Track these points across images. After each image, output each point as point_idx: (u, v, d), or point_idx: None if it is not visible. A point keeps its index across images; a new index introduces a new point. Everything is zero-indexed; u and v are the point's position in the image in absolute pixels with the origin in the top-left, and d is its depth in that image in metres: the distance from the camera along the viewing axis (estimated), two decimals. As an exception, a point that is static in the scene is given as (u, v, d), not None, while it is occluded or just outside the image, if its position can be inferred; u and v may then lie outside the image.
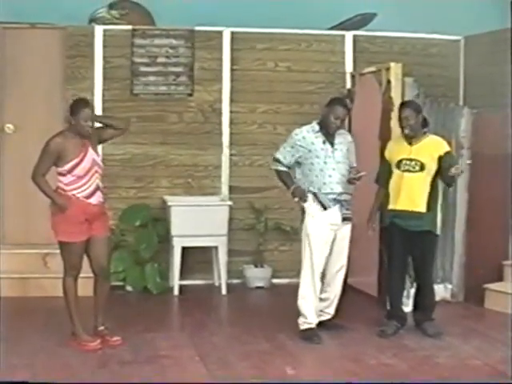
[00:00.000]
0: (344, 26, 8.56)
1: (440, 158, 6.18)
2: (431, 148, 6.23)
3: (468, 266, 7.36)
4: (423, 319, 6.40)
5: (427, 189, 6.22)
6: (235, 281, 8.00)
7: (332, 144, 6.16)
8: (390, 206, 6.30)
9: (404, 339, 6.15)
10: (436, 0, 8.56)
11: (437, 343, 6.07)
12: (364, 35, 8.41)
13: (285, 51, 8.26)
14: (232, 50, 8.15)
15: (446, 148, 6.28)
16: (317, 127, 6.20)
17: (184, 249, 7.63)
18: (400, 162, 6.25)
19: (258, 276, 7.99)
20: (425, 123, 6.33)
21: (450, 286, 7.37)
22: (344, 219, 6.20)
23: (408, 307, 6.83)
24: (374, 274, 7.28)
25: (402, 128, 6.25)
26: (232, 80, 8.15)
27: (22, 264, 7.45)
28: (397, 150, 6.33)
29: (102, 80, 7.93)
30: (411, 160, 6.20)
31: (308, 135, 6.18)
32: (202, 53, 8.14)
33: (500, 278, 7.33)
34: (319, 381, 5.28)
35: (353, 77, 8.19)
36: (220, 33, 8.14)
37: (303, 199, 6.15)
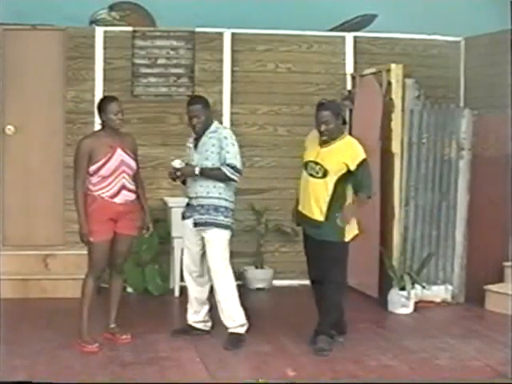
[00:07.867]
0: (344, 27, 8.58)
1: (349, 168, 5.64)
2: (340, 154, 5.68)
3: (469, 267, 7.36)
4: (319, 332, 5.86)
5: (327, 197, 5.69)
6: (236, 282, 7.96)
7: (195, 147, 5.96)
8: (299, 208, 5.90)
9: (404, 340, 6.14)
10: (436, 1, 8.57)
11: (437, 345, 6.05)
12: (364, 36, 8.42)
13: (285, 52, 8.26)
14: (232, 51, 8.15)
15: (359, 158, 5.68)
16: None
17: (185, 250, 7.64)
18: (307, 163, 5.79)
19: (258, 277, 7.98)
20: (343, 123, 5.84)
21: (450, 288, 7.35)
22: (197, 224, 5.89)
23: (409, 309, 6.84)
24: (375, 275, 7.27)
25: (320, 132, 5.70)
26: (232, 81, 8.16)
27: (22, 265, 7.45)
28: (309, 148, 5.86)
29: (102, 81, 7.94)
30: (316, 164, 5.72)
31: (189, 140, 6.08)
32: (203, 54, 8.14)
33: (500, 279, 7.32)
34: (319, 382, 5.29)
35: (353, 78, 8.19)
36: (221, 34, 8.14)
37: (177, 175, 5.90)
